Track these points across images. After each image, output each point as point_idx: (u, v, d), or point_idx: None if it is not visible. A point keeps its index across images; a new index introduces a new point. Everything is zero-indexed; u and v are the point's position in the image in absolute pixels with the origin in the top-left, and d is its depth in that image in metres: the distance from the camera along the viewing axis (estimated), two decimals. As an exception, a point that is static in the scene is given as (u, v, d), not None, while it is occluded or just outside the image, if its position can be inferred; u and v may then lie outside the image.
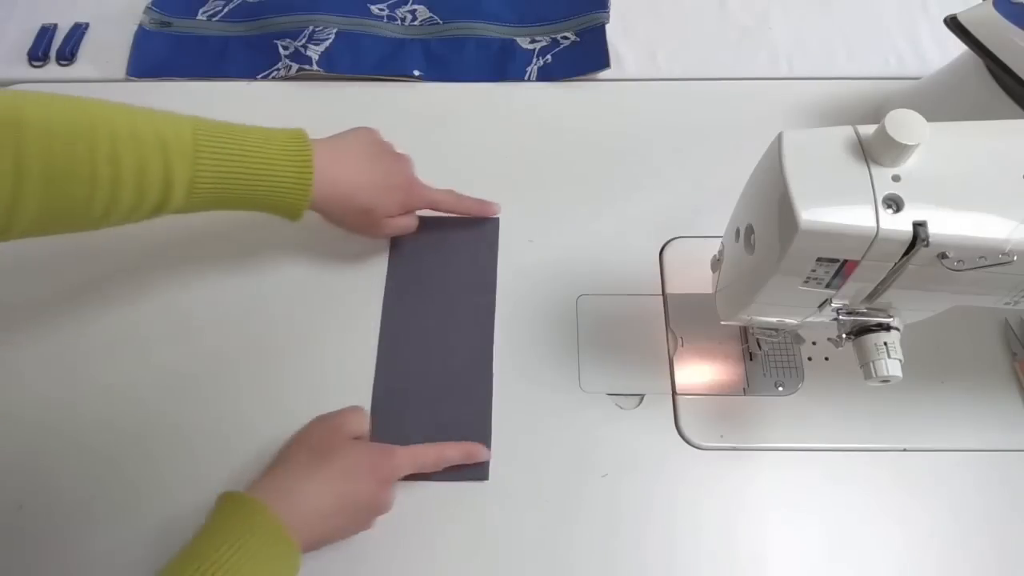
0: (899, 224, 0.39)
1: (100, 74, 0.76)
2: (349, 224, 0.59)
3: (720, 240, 0.52)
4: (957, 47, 0.62)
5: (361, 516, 0.51)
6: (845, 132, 0.41)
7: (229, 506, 0.47)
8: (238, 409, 0.58)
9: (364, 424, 0.55)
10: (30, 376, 0.60)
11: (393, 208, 0.59)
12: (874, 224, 0.38)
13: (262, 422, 0.57)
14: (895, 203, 0.39)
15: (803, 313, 0.47)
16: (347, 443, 0.52)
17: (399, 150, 0.62)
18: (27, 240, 0.58)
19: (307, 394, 0.59)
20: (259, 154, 0.51)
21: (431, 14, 0.80)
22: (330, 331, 0.62)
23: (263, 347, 0.61)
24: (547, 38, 0.78)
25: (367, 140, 0.59)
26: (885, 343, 0.45)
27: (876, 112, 0.71)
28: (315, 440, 0.52)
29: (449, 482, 0.55)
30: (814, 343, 0.60)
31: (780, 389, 0.58)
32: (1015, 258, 0.38)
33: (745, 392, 0.58)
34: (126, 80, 0.76)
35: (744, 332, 0.60)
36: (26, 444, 0.57)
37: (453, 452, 0.55)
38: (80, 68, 0.77)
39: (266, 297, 0.63)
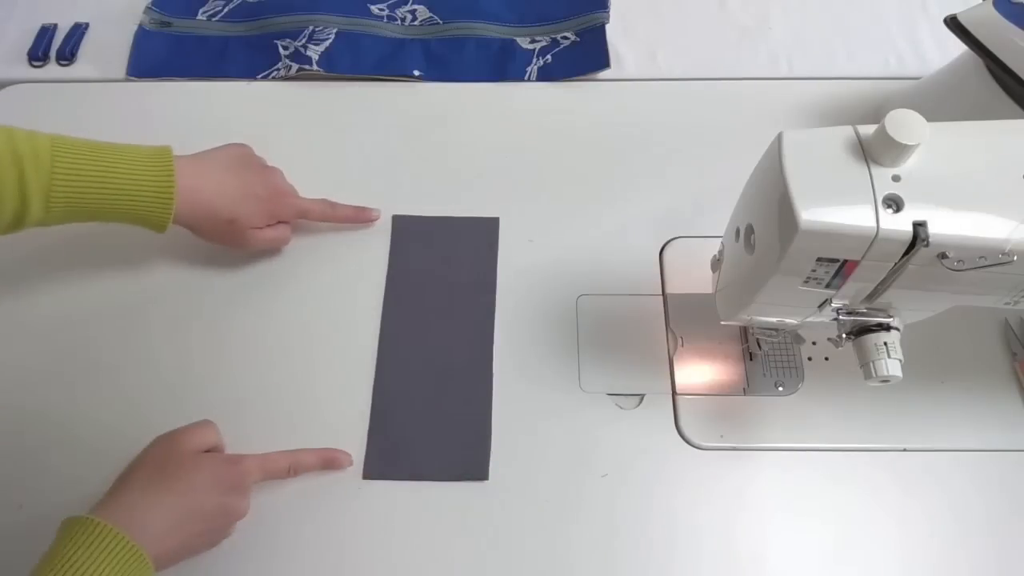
0: (899, 224, 0.39)
1: (100, 74, 0.76)
2: (215, 236, 0.59)
3: (720, 240, 0.52)
4: (957, 47, 0.62)
5: (214, 526, 0.50)
6: (845, 132, 0.41)
7: (74, 530, 0.45)
8: (238, 411, 0.58)
9: (211, 437, 0.53)
10: (31, 374, 0.60)
11: (257, 219, 0.59)
12: (874, 224, 0.38)
13: (261, 425, 0.57)
14: (895, 203, 0.39)
15: (803, 313, 0.47)
16: (188, 457, 0.50)
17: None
18: (33, 236, 0.58)
19: (307, 394, 0.59)
20: (119, 168, 0.53)
21: (431, 14, 0.80)
22: (329, 331, 0.62)
23: (262, 348, 0.61)
24: (547, 38, 0.78)
25: (233, 154, 0.60)
26: (885, 343, 0.45)
27: (876, 112, 0.71)
28: (156, 457, 0.50)
29: (449, 482, 0.55)
30: (814, 343, 0.60)
31: (780, 389, 0.58)
32: (1015, 258, 0.38)
33: (745, 392, 0.58)
34: (126, 80, 0.76)
35: (744, 332, 0.60)
36: (26, 444, 0.57)
37: (310, 458, 0.54)
38: (80, 68, 0.77)
39: (264, 296, 0.63)
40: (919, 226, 0.38)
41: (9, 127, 0.51)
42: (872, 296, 0.44)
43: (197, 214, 0.56)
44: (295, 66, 0.75)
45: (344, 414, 0.58)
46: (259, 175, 0.60)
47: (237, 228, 0.58)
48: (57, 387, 0.60)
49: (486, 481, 0.55)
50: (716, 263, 0.53)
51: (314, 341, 0.61)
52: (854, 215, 0.39)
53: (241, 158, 0.60)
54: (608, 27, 0.77)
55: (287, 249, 0.64)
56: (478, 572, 0.53)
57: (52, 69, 0.77)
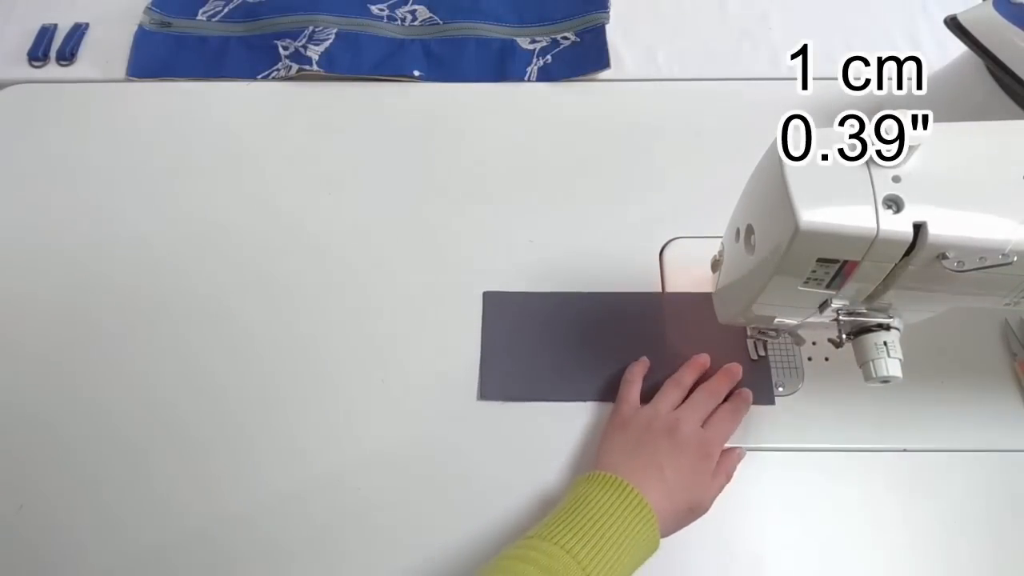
0: (899, 225, 0.39)
1: (100, 74, 0.76)
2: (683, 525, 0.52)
3: (720, 240, 0.52)
4: (957, 47, 0.62)
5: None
6: (845, 132, 0.41)
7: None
8: (244, 417, 0.58)
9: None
10: (31, 375, 0.60)
11: (710, 490, 0.53)
12: (874, 225, 0.38)
13: (264, 435, 0.58)
14: (895, 203, 0.39)
15: (803, 313, 0.47)
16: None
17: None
18: (33, 236, 0.58)
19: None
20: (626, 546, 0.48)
21: (431, 14, 0.80)
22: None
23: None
24: (547, 38, 0.78)
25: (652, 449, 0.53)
26: (885, 343, 0.45)
27: (876, 112, 0.71)
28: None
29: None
30: (814, 343, 0.60)
31: (780, 389, 0.58)
32: (1015, 259, 0.38)
33: (745, 392, 0.58)
34: (126, 80, 0.76)
35: (744, 333, 0.60)
36: (26, 444, 0.57)
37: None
38: (80, 68, 0.77)
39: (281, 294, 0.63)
40: (919, 227, 0.38)
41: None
42: (872, 297, 0.44)
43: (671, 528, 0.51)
44: (295, 66, 0.75)
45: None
46: (675, 455, 0.52)
47: (699, 508, 0.52)
48: (57, 387, 0.60)
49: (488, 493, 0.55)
50: (716, 263, 0.53)
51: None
52: (854, 216, 0.39)
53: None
54: (608, 27, 0.77)
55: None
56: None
57: (52, 69, 0.77)
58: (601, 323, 0.61)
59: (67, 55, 0.77)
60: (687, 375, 0.56)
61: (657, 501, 0.48)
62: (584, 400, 0.58)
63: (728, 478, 0.53)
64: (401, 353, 0.60)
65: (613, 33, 0.77)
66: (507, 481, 0.55)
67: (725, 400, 0.56)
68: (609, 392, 0.58)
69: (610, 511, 0.46)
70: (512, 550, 0.45)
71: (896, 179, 0.39)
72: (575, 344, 0.60)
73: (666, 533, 0.49)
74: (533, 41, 0.78)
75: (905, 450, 0.56)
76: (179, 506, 0.55)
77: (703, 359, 0.58)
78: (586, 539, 0.45)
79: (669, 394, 0.55)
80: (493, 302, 0.62)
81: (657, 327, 0.60)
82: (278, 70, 0.76)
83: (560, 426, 0.57)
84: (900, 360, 0.45)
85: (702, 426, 0.53)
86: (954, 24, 0.61)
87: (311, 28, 0.77)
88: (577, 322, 0.61)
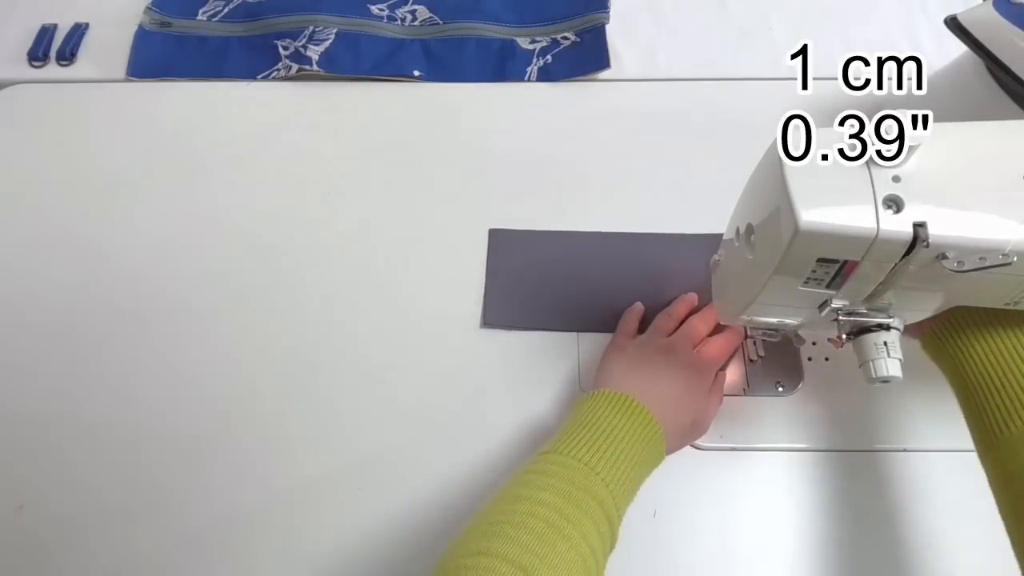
0: (899, 225, 0.38)
1: (100, 74, 0.76)
2: (686, 441, 0.55)
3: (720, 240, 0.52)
4: (957, 47, 0.62)
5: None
6: (845, 132, 0.41)
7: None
8: (254, 419, 0.58)
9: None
10: (32, 375, 0.60)
11: (708, 408, 0.55)
12: (874, 225, 0.38)
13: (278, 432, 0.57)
14: (895, 203, 0.39)
15: (803, 314, 0.47)
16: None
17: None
18: (34, 236, 0.58)
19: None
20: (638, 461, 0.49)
21: (431, 14, 0.80)
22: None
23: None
24: (547, 38, 0.78)
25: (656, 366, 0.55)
26: (885, 342, 0.45)
27: (876, 112, 0.71)
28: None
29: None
30: (814, 343, 0.60)
31: (780, 389, 0.58)
32: (1015, 259, 0.38)
33: (745, 392, 0.58)
34: (126, 80, 0.76)
35: (744, 333, 0.60)
36: (26, 444, 0.57)
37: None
38: (80, 68, 0.77)
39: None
40: (919, 227, 0.38)
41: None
42: (872, 296, 0.44)
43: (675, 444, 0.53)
44: (295, 66, 0.75)
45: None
46: (672, 369, 0.54)
47: (700, 424, 0.54)
48: (58, 387, 0.60)
49: (487, 483, 0.55)
50: (716, 263, 0.53)
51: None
52: (854, 216, 0.39)
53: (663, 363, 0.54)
54: (608, 27, 0.77)
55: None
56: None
57: (52, 69, 0.77)
58: (605, 259, 0.64)
59: (67, 55, 0.77)
60: (679, 307, 0.59)
61: (660, 413, 0.49)
62: (586, 331, 0.60)
63: (720, 399, 0.55)
64: (404, 356, 0.60)
65: (613, 33, 0.77)
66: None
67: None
68: (610, 324, 0.60)
69: (618, 425, 0.48)
70: (530, 465, 0.46)
71: (896, 179, 0.39)
72: (578, 277, 0.62)
73: (671, 449, 0.51)
74: (533, 41, 0.78)
75: (905, 450, 0.56)
76: (179, 505, 0.55)
77: (692, 297, 0.60)
78: (600, 452, 0.46)
79: (662, 322, 0.58)
80: (498, 239, 0.65)
81: (658, 265, 0.63)
82: (278, 70, 0.76)
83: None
84: (900, 360, 0.45)
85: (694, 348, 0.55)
86: (954, 24, 0.61)
87: (311, 28, 0.77)
88: (581, 258, 0.64)
